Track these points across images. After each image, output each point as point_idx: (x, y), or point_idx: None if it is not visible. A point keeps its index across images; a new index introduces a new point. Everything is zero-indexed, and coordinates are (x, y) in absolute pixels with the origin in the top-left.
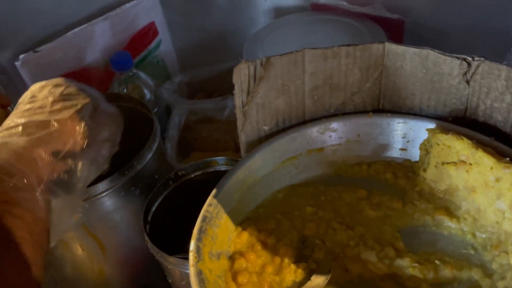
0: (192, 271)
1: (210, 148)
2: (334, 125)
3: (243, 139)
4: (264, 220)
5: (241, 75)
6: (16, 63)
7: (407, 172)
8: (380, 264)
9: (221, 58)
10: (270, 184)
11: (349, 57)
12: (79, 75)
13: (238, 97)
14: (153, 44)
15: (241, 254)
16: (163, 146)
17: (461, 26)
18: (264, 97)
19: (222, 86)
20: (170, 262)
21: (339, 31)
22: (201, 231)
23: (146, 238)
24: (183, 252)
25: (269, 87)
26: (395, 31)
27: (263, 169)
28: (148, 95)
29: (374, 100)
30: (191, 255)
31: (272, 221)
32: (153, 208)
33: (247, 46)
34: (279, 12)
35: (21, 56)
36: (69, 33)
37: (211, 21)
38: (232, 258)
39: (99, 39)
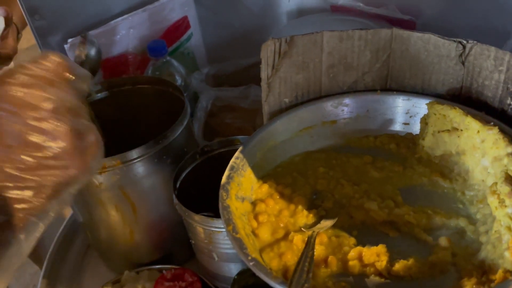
0: (221, 205)
1: (232, 134)
2: (347, 100)
3: (266, 109)
4: (282, 176)
5: (267, 51)
6: (65, 45)
7: (408, 143)
8: (380, 212)
9: (246, 54)
10: (287, 149)
11: (361, 40)
12: (118, 60)
13: (264, 71)
14: (185, 36)
15: (262, 200)
16: (192, 125)
17: (469, 28)
18: (286, 72)
19: (245, 80)
20: (195, 220)
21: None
22: (229, 177)
23: (175, 199)
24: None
25: (291, 63)
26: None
27: (282, 135)
28: (179, 81)
29: (382, 80)
30: (221, 193)
31: (289, 177)
32: (181, 177)
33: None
34: (301, 12)
35: (70, 40)
36: (112, 22)
37: (239, 18)
38: (253, 203)
39: (138, 28)
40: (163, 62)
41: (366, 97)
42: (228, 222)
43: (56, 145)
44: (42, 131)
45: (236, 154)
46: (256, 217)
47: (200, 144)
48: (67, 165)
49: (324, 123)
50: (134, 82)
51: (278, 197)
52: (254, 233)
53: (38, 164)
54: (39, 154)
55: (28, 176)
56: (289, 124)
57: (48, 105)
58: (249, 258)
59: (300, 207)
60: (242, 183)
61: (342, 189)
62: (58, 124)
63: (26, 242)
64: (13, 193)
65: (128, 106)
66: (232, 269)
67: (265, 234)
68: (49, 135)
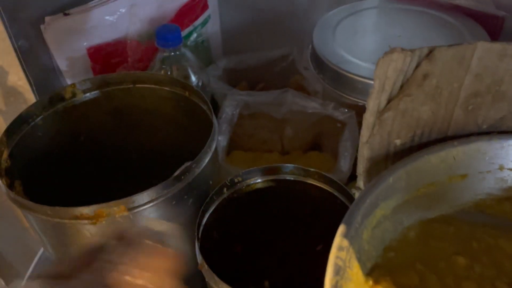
0: None
1: (254, 147)
2: (487, 146)
3: (366, 154)
4: (402, 271)
5: (388, 69)
6: (41, 26)
7: None
8: None
9: (270, 45)
10: (398, 219)
11: None
12: (114, 48)
13: (375, 99)
14: (200, 19)
15: None
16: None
17: None
18: (409, 101)
19: (267, 77)
20: None
21: (429, 24)
22: None
23: (201, 261)
24: (234, 273)
25: (420, 90)
26: (491, 28)
27: (395, 198)
28: (193, 79)
29: None
30: None
31: (413, 274)
32: (203, 221)
33: (317, 32)
34: None
35: (48, 18)
36: None
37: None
38: None
39: (142, 7)
40: (176, 54)
41: None
42: None
43: None
44: None
45: (338, 241)
46: None
47: (225, 171)
48: None
49: (451, 178)
50: (135, 79)
51: None
52: None
53: None
54: None
55: None
56: (406, 181)
57: None
58: None
59: None
60: None
61: None
62: None
63: None
64: None
65: (126, 112)
66: None
67: None
68: None
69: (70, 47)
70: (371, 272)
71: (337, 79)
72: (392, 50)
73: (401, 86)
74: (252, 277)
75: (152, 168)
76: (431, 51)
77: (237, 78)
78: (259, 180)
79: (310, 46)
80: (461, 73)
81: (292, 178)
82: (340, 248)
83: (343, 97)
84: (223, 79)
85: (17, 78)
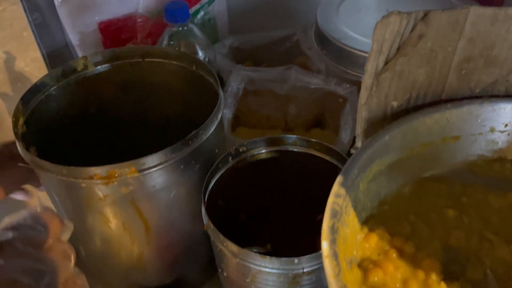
0: (335, 284)
1: (257, 124)
2: (479, 109)
3: (364, 114)
4: (395, 221)
5: (386, 32)
6: (55, 0)
7: None
8: None
9: (276, 25)
10: (393, 176)
11: None
12: (124, 24)
13: (373, 61)
14: None
15: (375, 263)
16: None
17: None
18: (405, 64)
19: (272, 57)
20: (237, 254)
21: (432, 3)
22: (333, 230)
23: (207, 221)
24: (239, 238)
25: (415, 52)
26: None
27: (390, 155)
28: (201, 55)
29: None
30: (329, 263)
31: (406, 224)
32: (209, 188)
33: (321, 10)
34: None
35: None
36: None
37: None
38: (363, 267)
39: None
40: (184, 30)
41: (507, 105)
42: None
43: None
44: None
45: (336, 189)
46: None
47: (230, 142)
48: None
49: (445, 139)
50: (144, 53)
51: (395, 256)
52: None
53: None
54: None
55: None
56: (401, 140)
57: None
58: None
59: (433, 276)
60: (347, 237)
61: (491, 249)
62: None
63: None
64: None
65: (136, 85)
66: None
67: None
68: None
69: (82, 22)
70: (366, 222)
71: (339, 55)
72: (389, 14)
73: (398, 49)
74: (255, 240)
75: (161, 139)
76: (426, 14)
77: (242, 57)
78: (263, 151)
79: (314, 24)
80: (454, 37)
81: (295, 149)
82: (337, 195)
83: (346, 73)
84: (229, 58)
85: (32, 52)
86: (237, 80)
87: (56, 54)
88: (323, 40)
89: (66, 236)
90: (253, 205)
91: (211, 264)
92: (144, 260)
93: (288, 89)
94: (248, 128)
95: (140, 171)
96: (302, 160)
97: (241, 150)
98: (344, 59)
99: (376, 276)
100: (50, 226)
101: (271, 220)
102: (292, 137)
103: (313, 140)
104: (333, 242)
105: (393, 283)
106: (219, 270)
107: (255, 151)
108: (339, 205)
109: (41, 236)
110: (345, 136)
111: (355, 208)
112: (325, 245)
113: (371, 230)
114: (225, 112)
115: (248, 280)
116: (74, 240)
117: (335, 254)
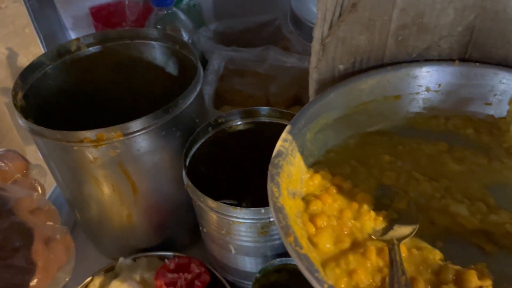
0: (273, 206)
1: (242, 103)
2: (416, 71)
3: (315, 76)
4: (338, 165)
5: (327, 2)
6: None
7: (491, 128)
8: (471, 218)
9: (258, 11)
10: (340, 129)
11: None
12: (114, 8)
13: (319, 28)
14: None
15: (316, 196)
16: (203, 92)
17: None
18: (347, 31)
19: (255, 41)
20: (212, 207)
21: None
22: (278, 165)
23: (186, 179)
24: (217, 198)
25: (354, 20)
26: None
27: (336, 111)
28: (185, 37)
29: (462, 47)
30: (271, 189)
31: (347, 166)
32: (191, 153)
33: None
34: None
35: None
36: None
37: None
38: (306, 200)
39: None
40: (168, 13)
41: (439, 68)
42: (287, 230)
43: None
44: None
45: (284, 135)
46: (312, 219)
47: (211, 114)
48: (28, 278)
49: (386, 98)
50: (132, 35)
51: (335, 191)
52: (311, 241)
53: None
54: None
55: None
56: (346, 98)
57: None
58: (325, 286)
59: (365, 206)
60: (292, 174)
61: (417, 185)
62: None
63: None
64: None
65: (125, 64)
66: (248, 263)
67: (326, 243)
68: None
69: (75, 7)
70: (312, 165)
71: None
72: None
73: (339, 17)
74: (232, 196)
75: (148, 113)
76: None
77: (228, 41)
78: (239, 122)
79: (290, 8)
80: (389, 6)
81: (268, 120)
82: (284, 140)
83: None
84: (215, 42)
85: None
86: (218, 59)
87: (52, 36)
88: (297, 22)
89: (32, 172)
90: (232, 170)
91: (196, 229)
92: (133, 221)
93: (266, 68)
94: (232, 107)
95: (125, 135)
96: (275, 130)
97: (219, 121)
98: None
99: (315, 206)
100: (15, 164)
101: (247, 183)
102: (266, 108)
103: (285, 111)
104: (276, 174)
105: (331, 211)
106: (201, 228)
107: (233, 122)
108: (285, 148)
109: (6, 171)
110: None
111: (302, 152)
112: (269, 176)
113: (315, 171)
114: (206, 88)
115: (223, 232)
116: (70, 205)
117: (277, 183)
